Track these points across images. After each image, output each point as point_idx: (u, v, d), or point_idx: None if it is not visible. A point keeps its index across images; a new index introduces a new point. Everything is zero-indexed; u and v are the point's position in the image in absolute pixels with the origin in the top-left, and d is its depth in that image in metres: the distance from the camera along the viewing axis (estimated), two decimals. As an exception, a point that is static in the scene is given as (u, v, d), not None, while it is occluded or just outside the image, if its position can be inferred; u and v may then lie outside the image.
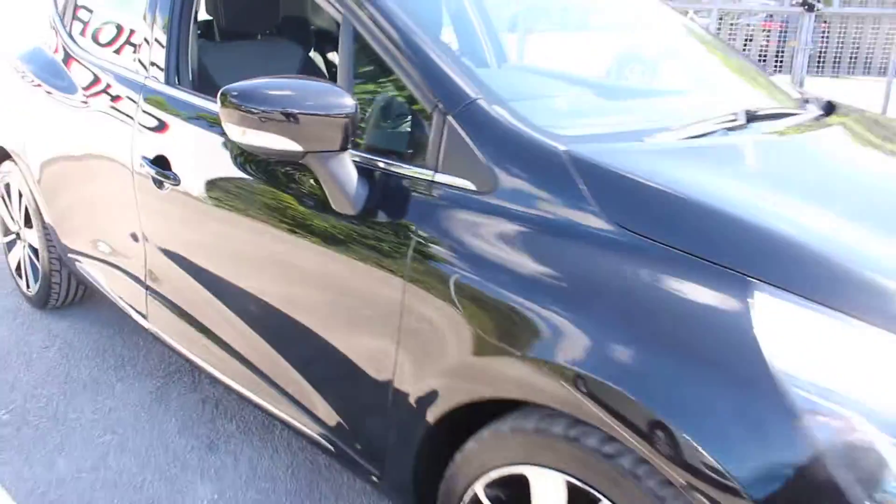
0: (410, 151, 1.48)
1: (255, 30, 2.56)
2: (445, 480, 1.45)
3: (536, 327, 1.21)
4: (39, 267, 2.94)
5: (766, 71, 2.31)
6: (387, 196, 1.48)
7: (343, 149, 1.44)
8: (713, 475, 1.03)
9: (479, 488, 1.38)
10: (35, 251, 2.95)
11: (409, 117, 1.51)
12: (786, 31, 12.23)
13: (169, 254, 2.10)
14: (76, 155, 2.49)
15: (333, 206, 1.51)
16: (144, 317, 2.32)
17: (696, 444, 1.04)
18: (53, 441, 2.21)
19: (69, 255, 2.69)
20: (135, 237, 2.23)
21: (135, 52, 2.29)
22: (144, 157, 2.06)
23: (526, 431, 1.27)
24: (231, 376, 1.98)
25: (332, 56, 2.92)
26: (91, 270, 2.59)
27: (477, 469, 1.36)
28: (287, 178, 1.67)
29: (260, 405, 1.92)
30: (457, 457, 1.41)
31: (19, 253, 3.10)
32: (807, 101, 2.09)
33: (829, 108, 2.04)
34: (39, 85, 2.74)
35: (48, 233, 2.79)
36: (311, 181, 1.59)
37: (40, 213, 2.81)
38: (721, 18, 15.18)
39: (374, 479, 1.64)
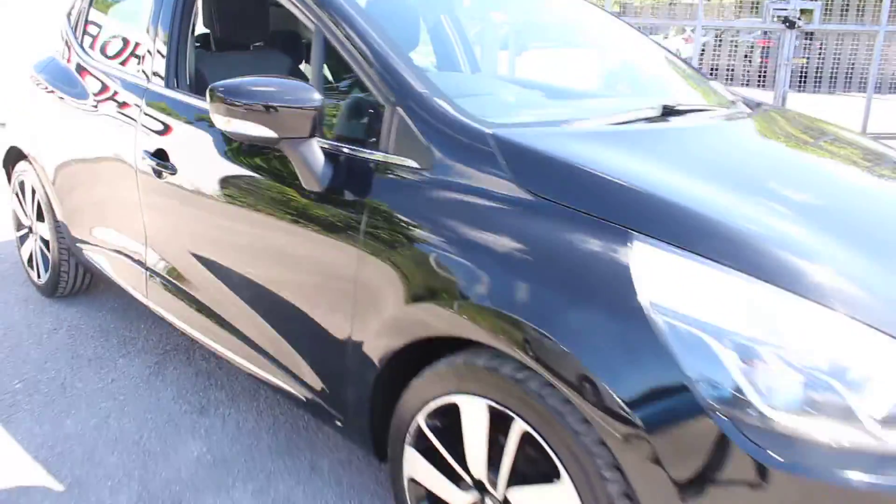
0: (369, 139, 1.75)
1: (247, 41, 2.84)
2: (395, 417, 1.70)
3: (459, 276, 1.47)
4: (50, 258, 3.21)
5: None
6: (348, 175, 1.75)
7: (311, 136, 1.71)
8: (595, 387, 1.28)
9: (421, 419, 1.63)
10: (46, 243, 3.23)
11: (369, 110, 1.78)
12: (767, 48, 12.53)
13: (165, 236, 2.37)
14: (86, 154, 2.77)
15: (304, 185, 1.78)
16: (144, 295, 2.58)
17: (581, 362, 1.29)
18: (61, 405, 2.47)
19: (77, 244, 2.96)
20: (136, 226, 2.50)
21: (139, 62, 2.58)
22: (146, 151, 2.33)
23: (456, 366, 1.52)
24: (219, 341, 2.24)
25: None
26: (97, 258, 2.85)
27: (419, 402, 1.61)
28: (265, 164, 1.94)
29: (243, 366, 2.17)
30: (403, 395, 1.66)
31: (31, 245, 3.38)
32: (734, 102, 2.36)
33: (755, 108, 2.32)
34: (53, 92, 3.03)
35: (59, 226, 3.07)
36: (286, 166, 1.85)
37: (52, 208, 3.08)
38: (718, 37, 15.51)
39: (339, 423, 1.90)
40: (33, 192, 3.23)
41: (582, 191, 1.44)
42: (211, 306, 2.24)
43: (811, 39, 12.56)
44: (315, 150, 1.75)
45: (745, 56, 14.91)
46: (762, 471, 1.18)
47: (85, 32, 3.03)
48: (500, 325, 1.40)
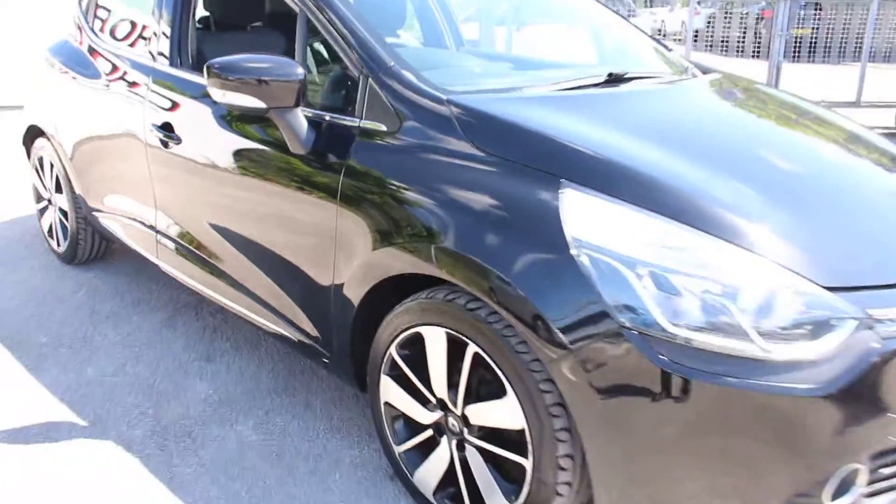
0: (347, 107, 1.99)
1: (245, 23, 3.07)
2: (372, 350, 1.95)
3: (416, 222, 1.72)
4: (68, 227, 3.48)
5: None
6: (329, 140, 1.99)
7: (296, 105, 1.95)
8: (531, 312, 1.52)
9: (393, 350, 1.88)
10: (64, 214, 3.49)
11: (347, 82, 2.02)
12: (761, 18, 12.55)
13: (173, 201, 2.62)
14: (99, 130, 3.02)
15: (290, 149, 2.02)
16: (155, 255, 2.84)
17: (519, 290, 1.53)
18: (82, 356, 2.74)
19: (94, 213, 3.22)
20: (146, 193, 2.75)
21: (145, 43, 2.82)
22: (154, 124, 2.58)
23: (420, 301, 1.77)
24: (223, 294, 2.50)
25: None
26: (112, 225, 3.12)
27: (391, 334, 1.86)
28: (257, 132, 2.18)
29: (245, 315, 2.43)
30: (378, 330, 1.91)
31: (50, 217, 3.65)
32: (685, 70, 2.58)
33: (704, 74, 2.53)
34: (67, 72, 3.28)
35: (76, 197, 3.33)
36: (275, 133, 2.09)
37: (69, 181, 3.35)
38: (725, 8, 15.51)
39: (325, 361, 2.15)
40: (52, 166, 3.49)
41: (521, 146, 1.68)
42: (215, 263, 2.49)
43: (818, 10, 12.59)
44: (299, 118, 1.98)
45: (752, 28, 14.95)
46: (666, 377, 1.43)
47: (96, 17, 3.27)
48: (451, 263, 1.65)
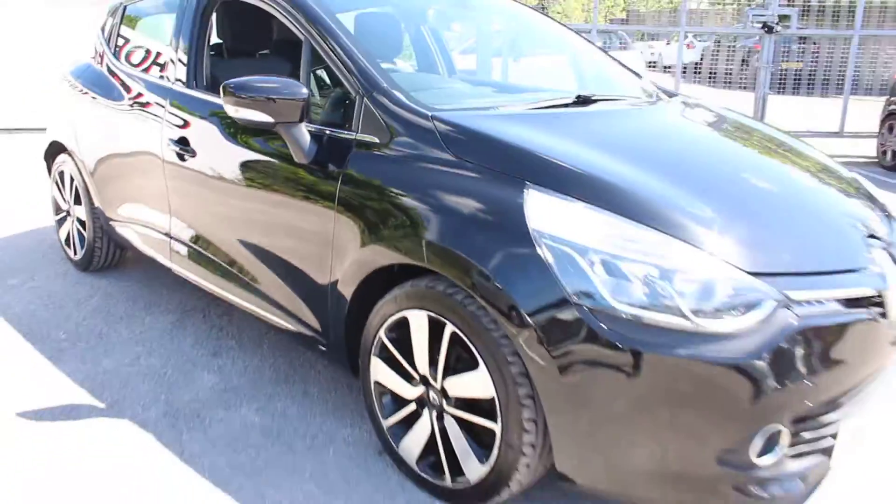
0: (345, 123, 2.27)
1: (253, 50, 3.37)
2: (363, 335, 2.20)
3: (407, 220, 1.98)
4: (86, 236, 3.74)
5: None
6: (328, 150, 2.26)
7: (300, 120, 2.22)
8: (499, 294, 1.77)
9: (382, 334, 2.13)
10: (82, 224, 3.76)
11: (345, 101, 2.29)
12: (749, 51, 12.93)
13: (186, 209, 2.89)
14: (119, 146, 3.30)
15: (295, 159, 2.29)
16: (169, 259, 3.10)
17: (489, 275, 1.79)
18: (99, 350, 2.99)
19: (111, 223, 3.49)
20: (162, 203, 3.02)
21: (163, 68, 3.11)
22: (171, 140, 2.86)
23: (406, 289, 2.03)
24: (233, 293, 2.75)
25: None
26: (128, 233, 3.38)
27: (380, 319, 2.11)
28: (265, 144, 2.45)
29: (253, 311, 2.68)
30: (369, 318, 2.16)
31: (68, 227, 3.92)
32: (651, 94, 2.87)
33: (668, 98, 2.82)
34: (89, 93, 3.57)
35: (94, 208, 3.60)
36: (281, 146, 2.36)
37: (89, 193, 3.62)
38: (718, 41, 15.96)
39: (322, 348, 2.40)
40: (72, 180, 3.77)
41: (494, 155, 1.95)
42: (226, 264, 2.75)
43: (805, 43, 12.99)
44: (303, 132, 2.26)
45: (743, 60, 15.38)
46: (613, 348, 1.68)
47: (117, 44, 3.57)
48: (433, 255, 1.91)
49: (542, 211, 1.80)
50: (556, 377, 1.74)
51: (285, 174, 2.37)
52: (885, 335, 1.93)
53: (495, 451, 1.89)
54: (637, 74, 3.19)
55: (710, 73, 14.81)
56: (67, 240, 3.96)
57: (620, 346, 1.67)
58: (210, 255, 2.82)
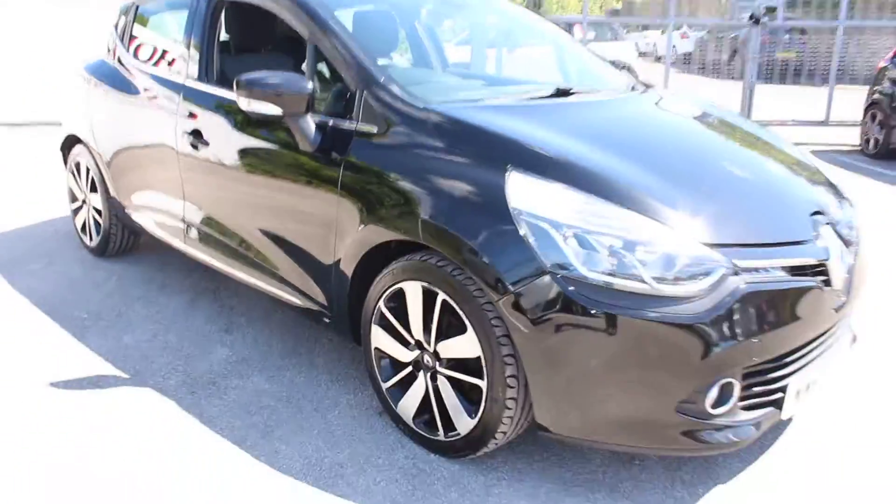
0: (346, 114, 2.50)
1: (260, 46, 3.59)
2: (364, 306, 2.44)
3: (403, 200, 2.22)
4: (101, 223, 3.97)
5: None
6: (332, 139, 2.49)
7: (306, 112, 2.46)
8: (484, 265, 2.01)
9: (381, 304, 2.37)
10: (98, 212, 3.99)
11: (346, 94, 2.52)
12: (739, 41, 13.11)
13: (200, 194, 3.12)
14: (135, 137, 3.53)
15: (300, 147, 2.52)
16: (183, 242, 3.33)
17: (476, 249, 2.03)
18: (119, 328, 3.23)
19: (126, 210, 3.72)
20: (176, 190, 3.25)
21: (176, 63, 3.33)
22: (184, 131, 3.09)
23: (402, 263, 2.26)
24: (241, 271, 2.99)
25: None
26: (143, 219, 3.62)
27: (380, 291, 2.35)
28: (274, 134, 2.68)
29: (263, 288, 2.91)
30: (370, 289, 2.40)
31: (84, 215, 4.15)
32: (632, 86, 3.11)
33: (646, 89, 3.06)
34: (105, 88, 3.80)
35: (110, 196, 3.83)
36: (288, 135, 2.59)
37: (104, 182, 3.85)
38: (709, 31, 16.16)
39: (327, 320, 2.64)
40: (88, 170, 4.00)
41: (479, 142, 2.19)
42: (237, 246, 2.98)
43: (796, 33, 13.20)
44: (309, 122, 2.49)
45: (734, 51, 15.60)
46: (585, 310, 1.91)
47: (130, 41, 3.80)
48: (428, 231, 2.14)
49: (521, 191, 2.04)
50: (534, 338, 1.97)
51: (292, 161, 2.60)
52: (828, 301, 2.17)
53: (482, 406, 2.13)
54: (616, 67, 3.42)
55: (702, 63, 15.03)
56: (83, 227, 4.19)
57: (590, 309, 1.91)
58: (222, 238, 3.05)
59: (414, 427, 2.37)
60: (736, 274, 1.96)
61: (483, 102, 2.56)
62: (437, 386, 2.27)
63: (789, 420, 2.49)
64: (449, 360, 2.21)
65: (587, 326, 1.93)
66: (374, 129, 2.39)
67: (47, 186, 5.57)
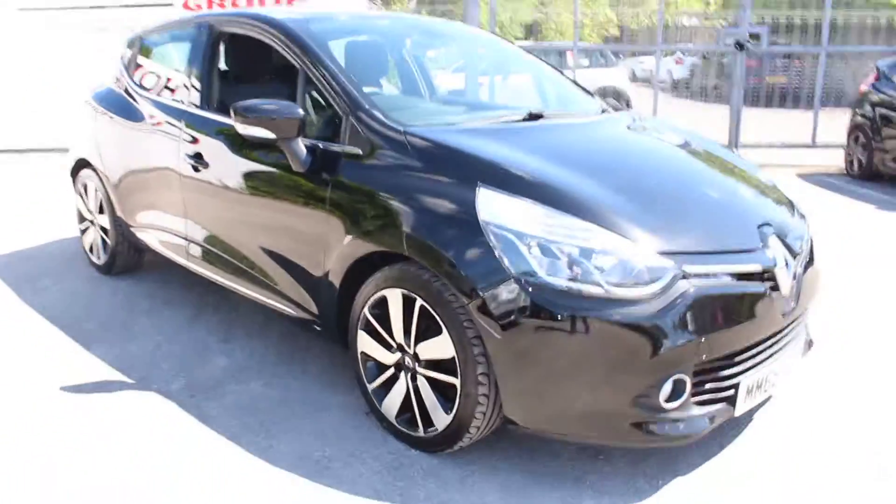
0: (335, 137, 2.73)
1: (256, 75, 3.83)
2: (351, 314, 2.64)
3: (386, 217, 2.44)
4: (108, 242, 4.20)
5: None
6: (321, 161, 2.71)
7: (298, 136, 2.68)
8: (456, 272, 2.22)
9: (366, 311, 2.57)
10: (105, 231, 4.22)
11: (335, 119, 2.75)
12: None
13: (201, 213, 3.35)
14: (140, 161, 3.77)
15: (293, 168, 2.74)
16: (186, 259, 3.55)
17: (450, 258, 2.24)
18: (125, 337, 3.44)
19: (132, 229, 3.95)
20: (179, 210, 3.48)
21: (178, 92, 3.58)
22: (187, 154, 3.32)
23: (384, 272, 2.47)
24: (240, 284, 3.20)
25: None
26: (148, 238, 3.84)
27: (364, 299, 2.55)
28: (268, 156, 2.90)
29: (260, 300, 3.12)
30: (356, 298, 2.61)
31: (92, 235, 4.38)
32: (604, 110, 3.34)
33: (615, 112, 3.30)
34: (111, 115, 4.04)
35: (116, 217, 4.06)
36: (281, 157, 2.81)
37: (111, 203, 4.08)
38: (704, 57, 16.45)
39: (318, 328, 2.85)
40: (96, 192, 4.23)
41: (453, 161, 2.42)
42: (236, 261, 3.20)
43: (786, 59, 13.50)
44: (301, 145, 2.72)
45: (726, 75, 15.90)
46: (547, 313, 2.12)
47: (135, 71, 4.05)
48: (408, 244, 2.36)
49: (490, 205, 2.25)
50: (502, 339, 2.17)
51: (285, 182, 2.82)
52: (776, 306, 2.37)
53: (457, 402, 2.33)
54: (589, 93, 3.66)
55: (696, 88, 15.32)
56: (91, 246, 4.42)
57: (552, 311, 2.12)
58: (222, 254, 3.27)
59: (396, 424, 2.56)
60: (685, 278, 2.16)
61: (459, 126, 2.79)
62: (416, 385, 2.47)
63: (749, 420, 2.68)
64: (427, 360, 2.41)
65: (549, 328, 2.13)
66: (360, 152, 2.62)
67: (54, 209, 5.81)
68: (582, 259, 2.15)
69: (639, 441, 2.23)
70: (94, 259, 4.40)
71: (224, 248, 3.26)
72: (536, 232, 2.19)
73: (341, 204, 2.60)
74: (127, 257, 4.22)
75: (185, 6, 8.85)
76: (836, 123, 9.34)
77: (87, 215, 4.44)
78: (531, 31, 20.70)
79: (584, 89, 3.64)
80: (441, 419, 2.40)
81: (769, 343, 2.42)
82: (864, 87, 8.37)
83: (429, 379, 2.42)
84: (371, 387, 2.63)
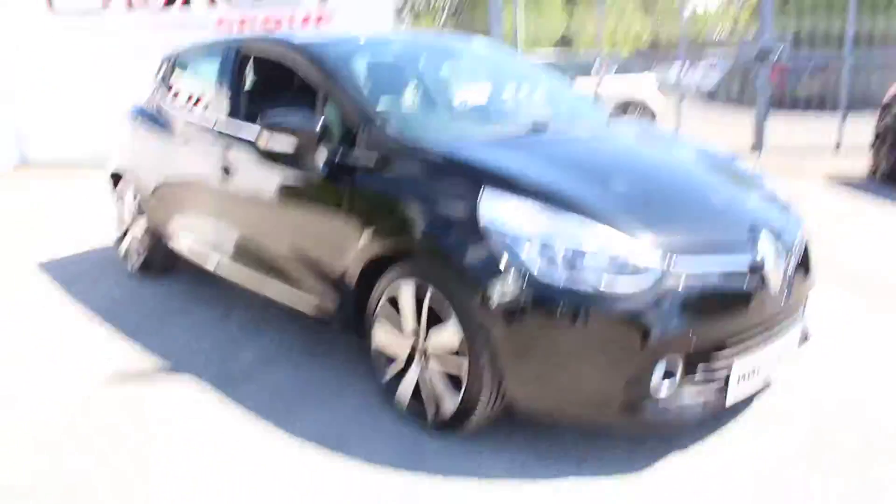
0: (351, 147, 2.94)
1: (279, 92, 4.05)
2: (368, 305, 2.84)
3: (400, 220, 2.64)
4: (144, 248, 4.48)
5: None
6: (339, 170, 2.93)
7: (317, 147, 2.91)
8: (462, 267, 2.41)
9: (381, 305, 2.77)
10: (140, 237, 4.50)
11: (350, 131, 2.97)
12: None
13: (229, 221, 3.60)
14: (173, 171, 4.05)
15: (313, 178, 2.97)
16: (213, 264, 3.80)
17: (457, 254, 2.43)
18: (162, 333, 3.70)
19: (165, 235, 4.22)
20: (209, 218, 3.73)
21: (209, 107, 3.84)
22: (215, 166, 3.58)
23: (398, 267, 2.68)
24: (263, 288, 3.43)
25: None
26: (180, 244, 4.11)
27: (380, 293, 2.75)
28: (289, 167, 3.13)
29: (279, 301, 3.35)
30: (373, 292, 2.81)
31: (128, 241, 4.68)
32: (606, 120, 3.53)
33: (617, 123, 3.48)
34: (148, 129, 4.33)
35: (150, 223, 4.34)
36: (301, 167, 3.03)
37: (146, 211, 4.36)
38: (735, 62, 16.38)
39: (339, 324, 3.06)
40: (132, 200, 4.53)
41: (458, 169, 2.62)
42: (260, 264, 3.43)
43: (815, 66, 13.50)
44: (319, 153, 2.94)
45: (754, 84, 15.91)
46: (545, 306, 2.29)
47: (169, 87, 4.34)
48: (421, 243, 2.56)
49: (492, 208, 2.43)
50: (503, 330, 2.35)
51: (306, 189, 3.05)
52: (764, 300, 2.50)
53: (463, 386, 2.51)
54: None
55: (726, 95, 15.33)
56: (127, 252, 4.71)
57: (549, 305, 2.29)
58: (249, 258, 3.51)
59: (409, 408, 2.75)
60: (677, 274, 2.32)
61: (467, 138, 3.01)
62: (427, 371, 2.65)
63: (746, 407, 2.81)
64: (437, 348, 2.60)
65: (549, 320, 2.30)
66: (374, 161, 2.83)
67: (89, 221, 6.14)
68: (577, 257, 2.31)
69: (633, 425, 2.39)
70: (130, 264, 4.69)
71: (249, 253, 3.49)
72: (535, 231, 2.36)
73: (357, 209, 2.81)
74: (161, 262, 4.49)
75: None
76: (863, 128, 9.34)
77: (124, 223, 4.73)
78: (561, 41, 20.87)
79: (592, 101, 3.83)
80: (449, 403, 2.58)
81: (761, 334, 2.53)
82: (891, 92, 8.35)
83: (439, 365, 2.60)
84: (386, 374, 2.83)
